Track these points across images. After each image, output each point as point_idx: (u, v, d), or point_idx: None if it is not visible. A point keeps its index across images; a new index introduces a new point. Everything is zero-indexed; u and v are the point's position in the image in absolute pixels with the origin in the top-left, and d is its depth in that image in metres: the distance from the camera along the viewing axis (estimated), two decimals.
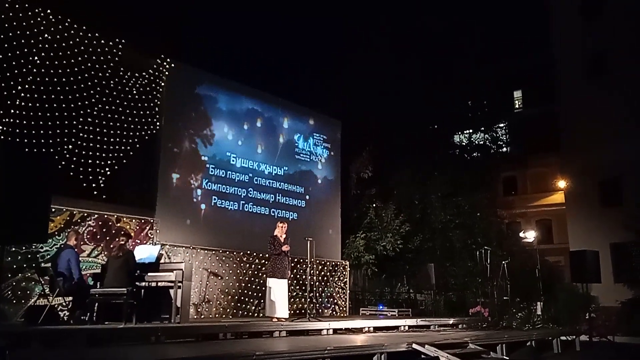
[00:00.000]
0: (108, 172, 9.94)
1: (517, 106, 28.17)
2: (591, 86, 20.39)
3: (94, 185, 9.74)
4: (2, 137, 8.50)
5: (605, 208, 19.52)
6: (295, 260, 11.62)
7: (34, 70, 9.14)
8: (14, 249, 8.23)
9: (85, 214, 9.39)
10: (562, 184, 21.86)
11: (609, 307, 14.46)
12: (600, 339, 11.23)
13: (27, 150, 7.92)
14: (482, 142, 21.48)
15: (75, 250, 7.83)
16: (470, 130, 21.81)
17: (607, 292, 15.36)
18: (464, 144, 21.60)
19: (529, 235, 14.31)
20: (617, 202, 18.93)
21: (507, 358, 7.63)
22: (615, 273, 17.69)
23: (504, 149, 23.84)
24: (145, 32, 11.70)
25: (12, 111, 8.81)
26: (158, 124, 10.83)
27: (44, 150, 8.95)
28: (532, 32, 25.39)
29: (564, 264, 19.90)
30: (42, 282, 7.65)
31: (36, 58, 9.19)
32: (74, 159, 9.52)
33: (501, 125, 23.57)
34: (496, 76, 23.50)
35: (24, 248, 8.40)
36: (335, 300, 13.58)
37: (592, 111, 19.98)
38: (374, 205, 16.62)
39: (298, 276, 12.33)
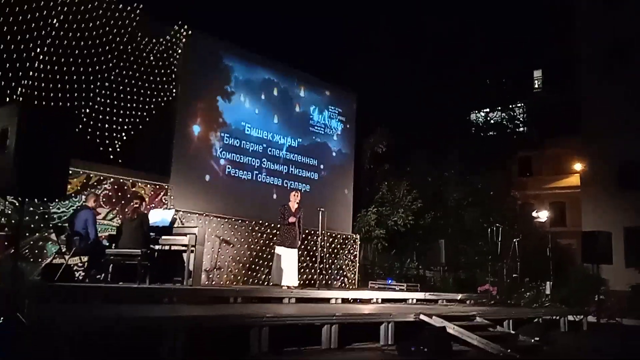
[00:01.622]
0: (124, 137, 10.03)
1: (536, 86, 27.72)
2: (614, 70, 19.96)
3: (110, 149, 9.84)
4: (21, 98, 8.60)
5: (622, 191, 19.27)
6: (307, 231, 11.71)
7: (53, 33, 9.17)
8: (31, 209, 8.41)
9: (102, 178, 9.54)
10: (578, 166, 21.60)
11: (619, 291, 14.42)
12: (608, 320, 11.25)
13: (49, 107, 7.99)
14: (499, 121, 21.25)
15: (93, 211, 7.98)
16: (487, 110, 21.58)
17: (618, 276, 15.28)
18: (480, 122, 21.39)
19: (542, 215, 14.25)
20: (635, 186, 18.64)
21: (514, 332, 7.69)
22: (627, 257, 17.57)
23: (521, 129, 23.58)
24: None
25: (30, 73, 8.88)
26: (174, 90, 10.86)
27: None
28: (555, 14, 24.79)
29: (576, 247, 19.79)
30: (59, 241, 7.82)
31: (55, 21, 9.20)
32: (91, 122, 9.60)
33: (519, 104, 23.26)
34: (516, 55, 23.10)
35: (41, 208, 8.58)
36: (345, 273, 13.71)
37: (614, 95, 19.58)
38: (387, 183, 16.58)
39: (309, 247, 12.44)
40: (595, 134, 20.42)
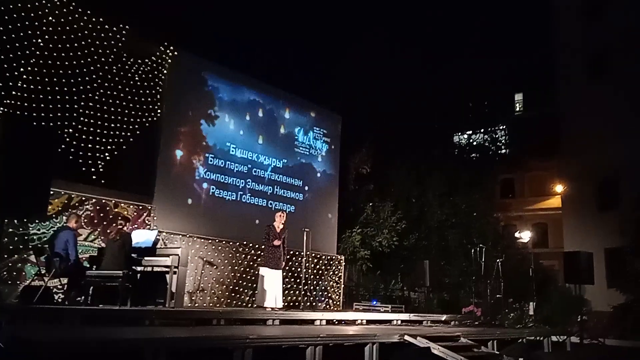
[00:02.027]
0: (107, 158, 9.96)
1: (517, 109, 28.25)
2: (592, 86, 20.22)
3: (93, 169, 9.76)
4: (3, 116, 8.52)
5: (602, 212, 19.49)
6: (291, 252, 11.66)
7: (37, 52, 9.16)
8: (11, 230, 8.26)
9: (84, 198, 9.42)
10: (559, 188, 21.87)
11: (602, 312, 14.50)
12: (591, 341, 11.30)
13: (33, 125, 7.90)
14: (481, 143, 21.56)
15: (74, 232, 7.86)
16: (470, 132, 21.91)
17: (600, 297, 15.39)
18: (462, 143, 21.68)
19: (524, 236, 14.39)
20: (614, 206, 18.86)
21: (498, 352, 7.69)
22: (608, 278, 17.70)
23: (503, 151, 23.92)
24: (149, 19, 11.70)
25: (13, 93, 8.83)
26: (159, 111, 10.85)
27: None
28: (534, 33, 25.45)
29: (558, 268, 19.91)
30: (38, 262, 7.67)
31: (39, 41, 9.20)
32: (74, 143, 9.54)
33: (501, 127, 23.64)
34: (497, 78, 23.56)
35: (20, 229, 8.43)
36: (329, 294, 13.63)
37: (592, 112, 19.74)
38: (371, 204, 16.63)
39: (293, 268, 12.36)
40: (573, 154, 20.69)
